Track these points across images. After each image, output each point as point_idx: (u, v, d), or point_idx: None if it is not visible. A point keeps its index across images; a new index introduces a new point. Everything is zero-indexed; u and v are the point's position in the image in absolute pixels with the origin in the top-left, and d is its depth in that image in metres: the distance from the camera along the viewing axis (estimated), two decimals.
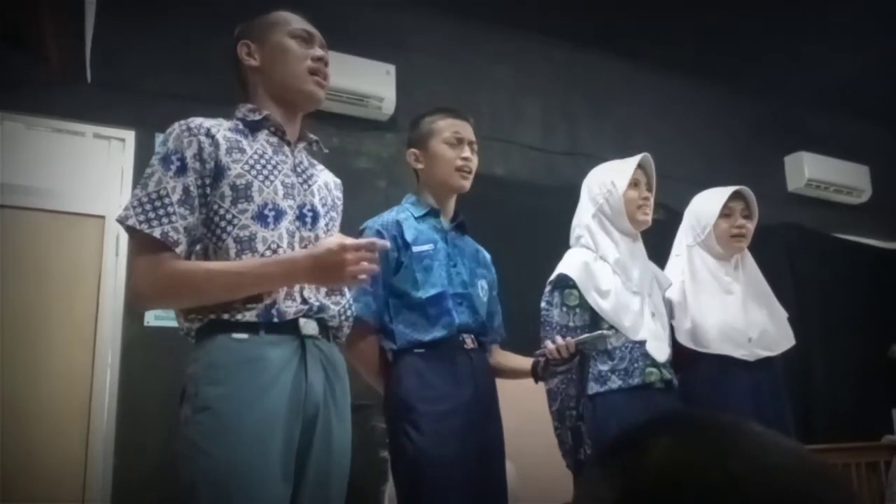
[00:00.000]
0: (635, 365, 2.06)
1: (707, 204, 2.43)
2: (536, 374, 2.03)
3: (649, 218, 2.22)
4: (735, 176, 4.79)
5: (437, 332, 1.93)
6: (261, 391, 1.41)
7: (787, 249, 5.06)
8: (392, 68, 3.84)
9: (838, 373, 5.06)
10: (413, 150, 2.14)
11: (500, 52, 4.34)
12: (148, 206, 1.43)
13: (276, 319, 1.48)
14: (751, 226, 2.42)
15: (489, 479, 1.94)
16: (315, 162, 1.77)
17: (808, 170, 5.14)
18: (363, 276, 1.48)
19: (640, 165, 2.24)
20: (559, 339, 1.92)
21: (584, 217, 2.23)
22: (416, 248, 1.98)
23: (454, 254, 2.07)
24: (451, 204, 2.15)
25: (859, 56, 4.69)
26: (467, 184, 2.10)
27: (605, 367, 2.05)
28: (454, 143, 2.08)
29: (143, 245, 1.45)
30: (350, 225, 1.97)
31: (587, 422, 2.02)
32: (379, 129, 3.88)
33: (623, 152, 2.35)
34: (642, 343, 2.07)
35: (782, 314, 2.43)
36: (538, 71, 4.48)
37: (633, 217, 2.20)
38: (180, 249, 1.44)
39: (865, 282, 5.37)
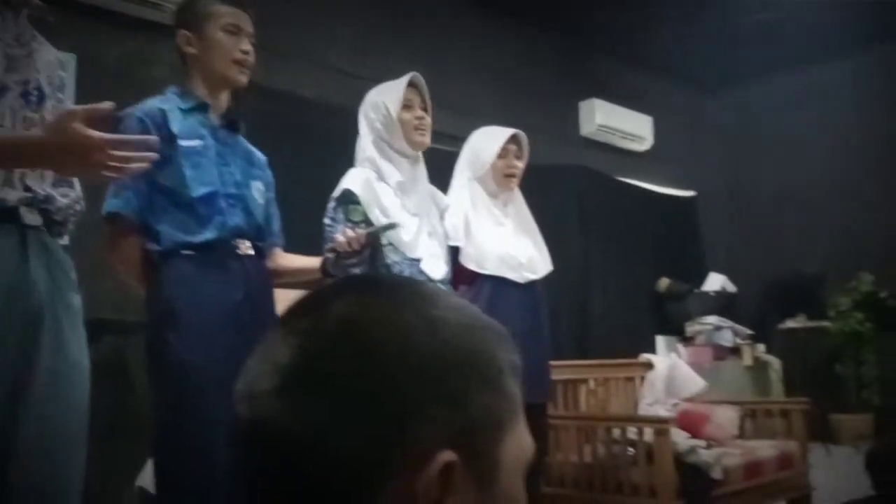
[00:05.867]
0: None
1: (486, 144, 2.59)
2: (327, 270, 2.01)
3: (427, 139, 2.26)
4: (536, 117, 5.11)
5: (209, 234, 1.82)
6: None
7: (576, 189, 5.48)
8: None
9: (614, 302, 5.61)
10: (184, 32, 1.93)
11: None
12: None
13: None
14: (521, 165, 2.62)
15: None
16: (38, 35, 1.57)
17: (598, 116, 5.53)
18: (123, 174, 1.37)
19: (412, 85, 2.25)
20: (349, 232, 1.92)
21: (365, 143, 2.25)
22: (183, 143, 1.83)
23: (225, 152, 1.94)
24: (224, 99, 1.99)
25: (650, 10, 5.08)
26: (245, 79, 1.95)
27: None
28: (233, 32, 1.92)
29: None
30: None
31: None
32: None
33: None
34: (419, 260, 2.18)
35: (543, 244, 2.69)
36: None
37: (410, 138, 2.23)
38: None
39: (643, 223, 5.95)
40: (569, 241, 5.27)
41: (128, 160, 1.33)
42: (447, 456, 0.45)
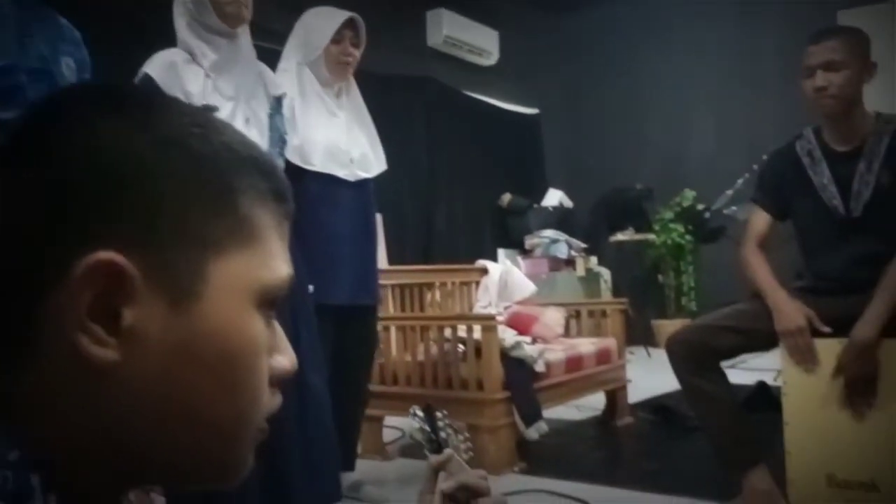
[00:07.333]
0: None
1: (320, 25, 2.39)
2: None
3: (243, 12, 2.06)
4: (382, 23, 4.97)
5: (9, 114, 1.62)
6: None
7: (423, 101, 5.46)
8: None
9: (458, 214, 5.73)
10: None
11: None
12: None
13: None
14: (357, 54, 2.44)
15: None
16: None
17: (446, 27, 5.49)
18: None
19: None
20: None
21: (179, 26, 2.06)
22: None
23: (29, 21, 1.74)
24: None
25: None
26: None
27: None
28: None
29: None
30: None
31: None
32: None
33: None
34: None
35: (378, 141, 2.56)
36: None
37: (222, 12, 2.04)
38: None
39: (488, 138, 6.06)
40: (415, 152, 5.28)
41: None
42: (104, 255, 0.43)
